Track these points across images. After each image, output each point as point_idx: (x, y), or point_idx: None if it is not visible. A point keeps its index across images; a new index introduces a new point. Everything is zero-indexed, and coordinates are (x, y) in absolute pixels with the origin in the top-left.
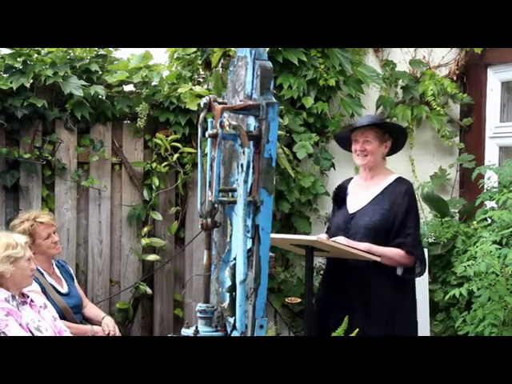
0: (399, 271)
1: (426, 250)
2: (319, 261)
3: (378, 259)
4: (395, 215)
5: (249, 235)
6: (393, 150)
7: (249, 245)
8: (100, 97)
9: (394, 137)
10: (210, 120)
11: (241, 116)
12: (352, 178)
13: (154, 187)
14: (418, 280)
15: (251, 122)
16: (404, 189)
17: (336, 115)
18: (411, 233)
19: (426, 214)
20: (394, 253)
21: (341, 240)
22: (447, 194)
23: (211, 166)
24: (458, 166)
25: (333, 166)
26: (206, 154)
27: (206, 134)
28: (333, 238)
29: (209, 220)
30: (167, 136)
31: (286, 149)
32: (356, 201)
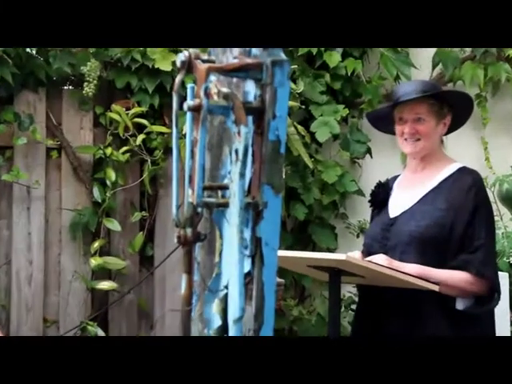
0: (461, 304)
1: (505, 275)
2: (349, 290)
3: (436, 288)
4: (456, 219)
5: (247, 253)
6: (451, 128)
7: (247, 267)
8: (29, 51)
9: (455, 110)
10: (189, 86)
11: (235, 80)
12: (399, 175)
13: (108, 183)
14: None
15: (250, 88)
16: (469, 182)
17: (374, 78)
18: (482, 245)
19: (505, 221)
20: (456, 278)
21: (380, 259)
22: None
23: (192, 152)
24: None
25: (369, 151)
26: (185, 136)
27: (185, 107)
28: (369, 257)
29: (189, 231)
30: (128, 109)
31: (300, 127)
32: (400, 200)
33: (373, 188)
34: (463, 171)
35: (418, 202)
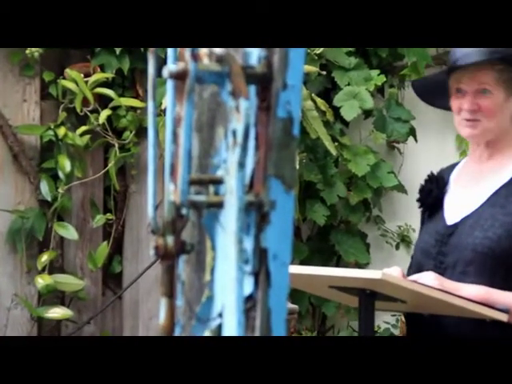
0: None
1: None
2: (386, 320)
3: (505, 318)
4: None
5: (248, 269)
6: None
7: (248, 288)
8: None
9: None
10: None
11: None
12: (457, 165)
13: (61, 175)
14: None
15: (252, 48)
16: None
17: None
18: None
19: None
20: None
21: (428, 278)
22: None
23: (175, 134)
24: None
25: (413, 133)
26: (165, 112)
27: (165, 73)
28: (415, 276)
29: (170, 239)
30: (87, 75)
31: (320, 101)
32: (460, 201)
33: (422, 182)
34: None
35: (483, 203)
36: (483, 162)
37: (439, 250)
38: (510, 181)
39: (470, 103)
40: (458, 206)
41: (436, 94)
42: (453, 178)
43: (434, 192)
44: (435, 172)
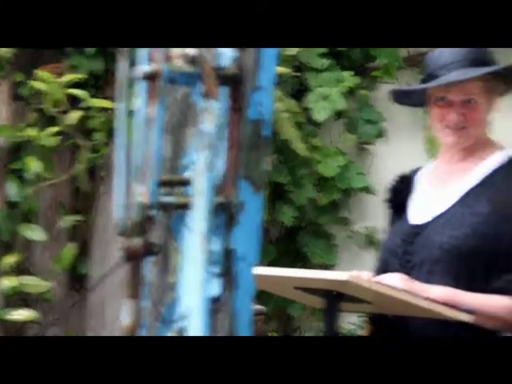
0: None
1: None
2: (351, 321)
3: (469, 319)
4: (504, 227)
5: (215, 270)
6: None
7: (215, 289)
8: None
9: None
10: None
11: None
12: (424, 167)
13: (28, 176)
14: None
15: (225, 49)
16: None
17: None
18: None
19: None
20: (498, 305)
21: (394, 279)
22: None
23: (146, 135)
24: None
25: (383, 135)
26: (136, 113)
27: (136, 73)
28: (381, 276)
29: (137, 241)
30: (59, 75)
31: (293, 102)
32: (429, 201)
33: (392, 182)
34: None
35: (455, 203)
36: (454, 164)
37: (405, 249)
38: (481, 182)
39: (458, 114)
40: (427, 205)
41: (412, 98)
42: (421, 178)
43: (401, 193)
44: (403, 173)
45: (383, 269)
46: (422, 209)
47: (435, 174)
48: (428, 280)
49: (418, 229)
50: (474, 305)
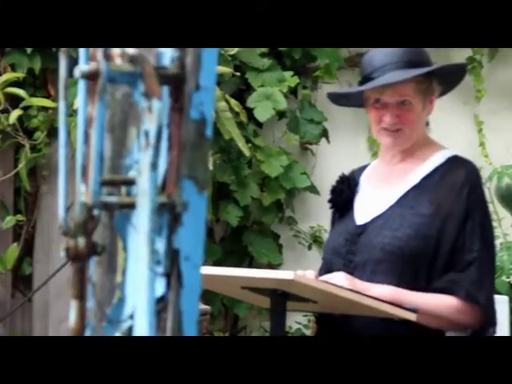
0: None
1: (505, 299)
2: (297, 320)
3: (413, 317)
4: (444, 228)
5: (160, 270)
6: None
7: (160, 289)
8: None
9: (445, 81)
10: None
11: None
12: (367, 166)
13: None
14: None
15: (166, 49)
16: (461, 177)
17: None
18: (475, 260)
19: (505, 227)
20: (440, 303)
21: (338, 278)
22: None
23: (86, 134)
24: None
25: (325, 135)
26: (76, 112)
27: (76, 73)
28: (326, 276)
29: (81, 241)
30: None
31: (234, 102)
32: (371, 202)
33: (334, 183)
34: (454, 162)
35: (393, 204)
36: (394, 165)
37: (349, 249)
38: (420, 183)
39: (392, 115)
40: (368, 206)
41: (350, 100)
42: (363, 178)
43: (344, 193)
44: (346, 173)
45: (327, 268)
46: (364, 209)
47: (376, 174)
48: (371, 280)
49: (361, 229)
50: (417, 303)
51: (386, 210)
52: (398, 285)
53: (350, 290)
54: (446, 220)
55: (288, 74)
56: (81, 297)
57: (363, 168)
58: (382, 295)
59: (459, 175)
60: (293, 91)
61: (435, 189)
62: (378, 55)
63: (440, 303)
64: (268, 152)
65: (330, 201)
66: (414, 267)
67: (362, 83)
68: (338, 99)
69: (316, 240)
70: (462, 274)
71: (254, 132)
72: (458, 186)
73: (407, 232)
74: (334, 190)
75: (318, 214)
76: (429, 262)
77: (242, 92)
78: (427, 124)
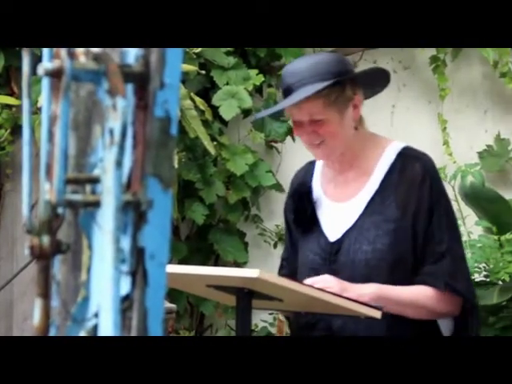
0: (446, 329)
1: None
2: (263, 318)
3: (378, 315)
4: (415, 226)
5: (125, 269)
6: (367, 93)
7: (125, 288)
8: None
9: (366, 83)
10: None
11: None
12: (312, 169)
13: None
14: None
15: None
16: (418, 172)
17: None
18: (447, 250)
19: (469, 225)
20: (422, 295)
21: (326, 281)
22: (511, 187)
23: (50, 132)
24: None
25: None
26: (40, 110)
27: (40, 70)
28: (311, 279)
29: (45, 239)
30: None
31: (199, 100)
32: (337, 216)
33: (290, 201)
34: (406, 157)
35: (361, 214)
36: (345, 171)
37: (329, 268)
38: (381, 187)
39: (308, 133)
40: (335, 220)
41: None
42: (317, 187)
43: (307, 211)
44: (300, 187)
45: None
46: (332, 223)
47: (331, 183)
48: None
49: (336, 246)
50: (403, 298)
51: (355, 222)
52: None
53: (315, 288)
54: (416, 217)
55: (253, 72)
56: (45, 295)
57: (307, 172)
58: (374, 293)
59: (416, 170)
60: (258, 89)
61: (397, 189)
62: (286, 74)
63: (422, 295)
64: (233, 150)
65: (295, 221)
66: (398, 272)
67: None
68: (272, 116)
69: (281, 238)
70: (436, 265)
71: (220, 130)
72: (417, 181)
73: (384, 241)
74: (296, 210)
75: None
76: (411, 261)
77: (207, 90)
78: (356, 128)
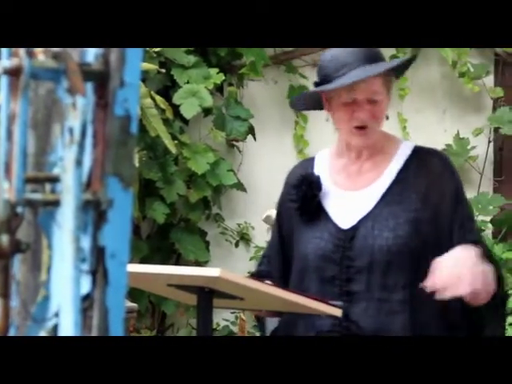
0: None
1: None
2: (225, 317)
3: (339, 313)
4: (438, 215)
5: (85, 268)
6: None
7: (86, 287)
8: None
9: (397, 76)
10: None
11: None
12: (311, 160)
13: None
14: None
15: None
16: (438, 163)
17: None
18: (478, 239)
19: None
20: (481, 271)
21: (461, 283)
22: (471, 186)
23: (9, 131)
24: (492, 132)
25: (251, 131)
26: None
27: None
28: (444, 281)
29: (4, 238)
30: None
31: (159, 99)
32: (348, 204)
33: (296, 189)
34: (422, 152)
35: (378, 203)
36: (362, 162)
37: (343, 255)
38: (398, 177)
39: (365, 112)
40: (347, 208)
41: (310, 103)
42: (325, 177)
43: (316, 198)
44: (308, 175)
45: (318, 275)
46: (344, 212)
47: (343, 173)
48: (385, 282)
49: (350, 233)
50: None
51: (371, 210)
52: (415, 280)
53: (274, 285)
54: (439, 208)
55: (214, 71)
56: (5, 295)
57: (308, 166)
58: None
59: (436, 163)
60: (219, 88)
61: (416, 181)
62: (338, 54)
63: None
64: (194, 149)
65: (299, 208)
66: (421, 261)
67: (320, 83)
68: (296, 104)
69: (243, 237)
70: (475, 237)
71: (180, 129)
72: (437, 173)
73: (406, 229)
74: (305, 197)
75: (245, 211)
76: (435, 251)
77: (167, 89)
78: (387, 118)
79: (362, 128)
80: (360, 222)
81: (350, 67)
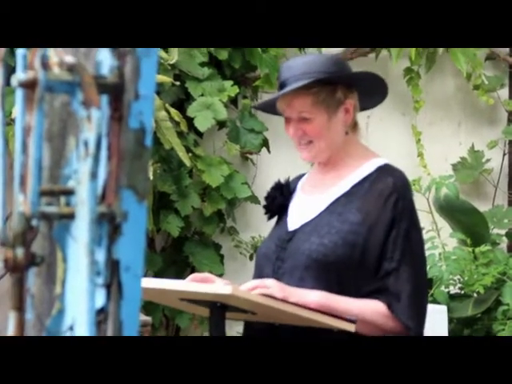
0: None
1: (443, 309)
2: (238, 330)
3: (352, 329)
4: (371, 236)
5: (100, 281)
6: (362, 105)
7: (100, 300)
8: None
9: (360, 87)
10: (20, 52)
11: (83, 49)
12: (305, 174)
13: None
14: None
15: (104, 57)
16: (388, 186)
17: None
18: (393, 271)
19: (444, 237)
20: (370, 309)
21: (270, 284)
22: (486, 199)
23: (24, 144)
24: (507, 144)
25: (266, 144)
26: (14, 121)
27: (14, 81)
28: (257, 281)
29: (19, 251)
30: None
31: (174, 111)
32: (301, 209)
33: (269, 190)
34: (384, 171)
35: (322, 211)
36: (326, 172)
37: (278, 255)
38: (349, 190)
39: (295, 130)
40: (299, 212)
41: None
42: (299, 186)
43: (277, 199)
44: (282, 180)
45: (258, 273)
46: (296, 215)
47: (310, 181)
48: (300, 286)
49: (290, 235)
50: (350, 309)
51: (315, 217)
52: (328, 291)
53: (289, 303)
54: (373, 228)
55: (228, 83)
56: (19, 308)
57: (301, 176)
58: (315, 301)
59: (387, 184)
60: (233, 101)
61: (364, 197)
62: (283, 69)
63: (370, 308)
64: (208, 162)
65: (264, 207)
66: (341, 274)
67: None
68: (264, 108)
69: (257, 250)
70: (382, 282)
71: (195, 141)
72: (385, 194)
73: (334, 239)
74: (269, 197)
75: (259, 224)
76: (355, 269)
77: (182, 101)
78: (355, 127)
79: (301, 144)
80: (302, 226)
81: (287, 82)
